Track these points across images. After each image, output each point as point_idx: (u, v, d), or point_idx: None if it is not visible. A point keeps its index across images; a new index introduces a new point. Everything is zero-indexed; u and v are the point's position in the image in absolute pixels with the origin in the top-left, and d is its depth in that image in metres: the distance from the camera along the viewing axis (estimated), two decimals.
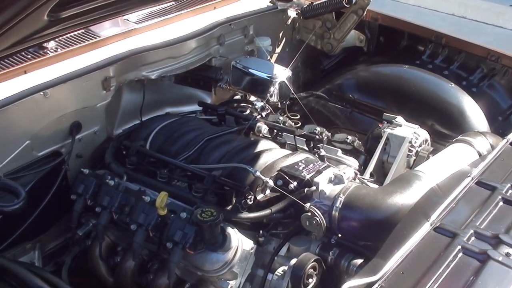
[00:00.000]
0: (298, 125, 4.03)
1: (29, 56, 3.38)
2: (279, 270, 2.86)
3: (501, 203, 2.62)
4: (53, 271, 3.38)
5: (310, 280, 2.74)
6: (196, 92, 4.29)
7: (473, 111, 4.10)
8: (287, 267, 2.82)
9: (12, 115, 3.04)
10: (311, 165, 3.12)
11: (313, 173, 3.05)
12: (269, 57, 4.51)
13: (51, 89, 3.16)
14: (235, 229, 2.89)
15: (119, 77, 3.56)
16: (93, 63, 3.38)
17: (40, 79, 3.19)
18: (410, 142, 3.61)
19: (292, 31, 4.96)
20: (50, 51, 3.44)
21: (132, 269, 3.06)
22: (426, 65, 4.66)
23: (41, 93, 3.12)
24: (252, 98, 4.28)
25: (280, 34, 4.87)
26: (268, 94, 3.95)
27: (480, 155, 3.27)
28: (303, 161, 3.15)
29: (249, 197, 2.95)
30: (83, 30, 3.63)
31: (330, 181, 3.00)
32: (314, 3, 4.70)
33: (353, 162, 3.54)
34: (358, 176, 3.32)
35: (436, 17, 10.36)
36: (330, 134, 3.72)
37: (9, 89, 3.08)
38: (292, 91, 4.00)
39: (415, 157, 3.65)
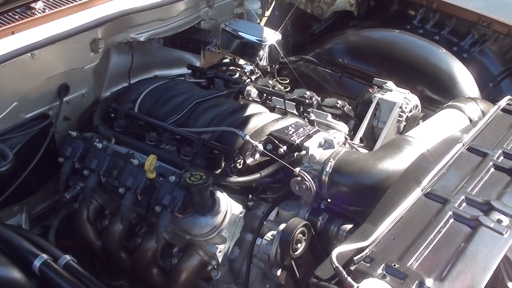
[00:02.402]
0: (288, 89, 4.00)
1: (16, 17, 3.31)
2: (268, 235, 2.85)
3: (492, 170, 2.62)
4: (40, 234, 3.36)
5: (299, 245, 2.73)
6: (185, 55, 4.24)
7: (463, 77, 4.09)
8: (276, 231, 2.81)
9: None
10: (301, 129, 3.11)
11: (303, 137, 3.04)
12: (258, 20, 4.47)
13: (39, 50, 3.11)
14: (224, 193, 2.87)
15: (108, 39, 3.52)
16: (81, 24, 3.32)
17: (28, 40, 3.13)
18: (401, 107, 3.59)
19: None
20: (38, 12, 3.38)
21: (120, 232, 3.06)
22: (416, 30, 4.64)
23: (29, 54, 3.08)
24: (241, 61, 4.24)
25: None
26: (257, 58, 3.92)
27: (471, 121, 3.25)
28: (293, 125, 3.13)
29: (239, 161, 2.95)
30: None
31: (320, 145, 2.98)
32: None
33: (343, 127, 3.53)
34: (348, 141, 3.31)
35: None
36: (320, 98, 3.70)
37: None
38: (282, 55, 3.97)
39: (405, 123, 3.63)
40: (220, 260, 2.87)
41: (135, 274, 3.10)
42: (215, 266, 2.90)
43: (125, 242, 3.09)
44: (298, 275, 2.80)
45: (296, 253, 2.73)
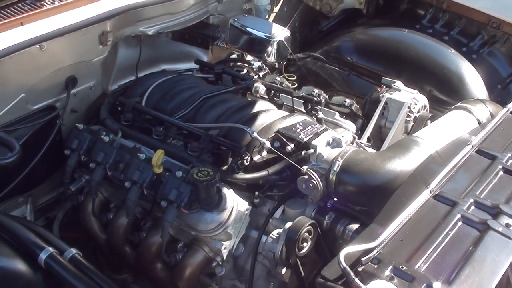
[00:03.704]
0: (295, 86, 3.99)
1: (26, 8, 3.32)
2: (274, 233, 2.83)
3: (501, 173, 2.60)
4: (44, 226, 3.36)
5: (304, 244, 2.73)
6: (193, 49, 4.25)
7: (472, 78, 4.08)
8: (281, 230, 2.80)
9: (8, 67, 2.99)
10: (309, 127, 3.09)
11: (311, 135, 3.02)
12: (267, 16, 4.46)
13: (47, 42, 3.11)
14: (231, 190, 2.87)
15: (116, 32, 3.51)
16: (90, 17, 3.31)
17: (37, 31, 3.12)
18: (409, 107, 3.57)
19: None
20: (47, 3, 3.38)
21: (124, 226, 3.05)
22: (426, 29, 4.62)
23: (37, 46, 3.07)
24: (249, 57, 4.23)
25: None
26: (265, 54, 3.91)
27: (479, 123, 3.23)
28: (301, 123, 3.11)
29: (246, 157, 2.93)
30: None
31: (328, 144, 2.96)
32: None
33: (351, 126, 3.52)
34: (356, 140, 3.29)
35: None
36: (327, 96, 3.69)
37: (5, 41, 3.02)
38: (290, 52, 3.95)
39: (413, 123, 3.62)
40: (225, 256, 2.87)
41: (139, 268, 3.09)
42: (220, 263, 2.89)
43: (129, 236, 3.09)
44: (302, 274, 2.80)
45: (301, 251, 2.73)
